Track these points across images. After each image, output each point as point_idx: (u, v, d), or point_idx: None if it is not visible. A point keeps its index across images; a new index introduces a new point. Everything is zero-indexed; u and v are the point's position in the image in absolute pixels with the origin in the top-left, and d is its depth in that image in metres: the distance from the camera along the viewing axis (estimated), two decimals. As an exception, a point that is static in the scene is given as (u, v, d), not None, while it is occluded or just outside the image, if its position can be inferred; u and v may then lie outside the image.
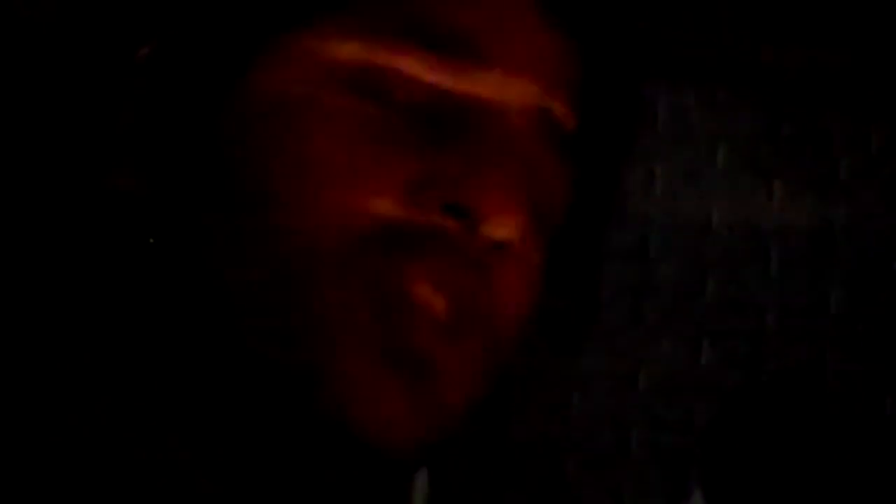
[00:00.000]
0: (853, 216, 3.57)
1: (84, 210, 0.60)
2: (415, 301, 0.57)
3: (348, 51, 0.59)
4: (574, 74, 0.63)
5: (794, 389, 2.55)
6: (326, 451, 0.58)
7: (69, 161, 0.60)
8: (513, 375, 0.62)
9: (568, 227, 0.64)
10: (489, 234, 0.58)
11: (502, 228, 0.58)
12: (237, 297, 0.58)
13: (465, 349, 0.59)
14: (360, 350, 0.57)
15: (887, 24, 3.50)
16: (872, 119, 3.56)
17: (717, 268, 3.53)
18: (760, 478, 2.41)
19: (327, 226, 0.57)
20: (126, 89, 0.61)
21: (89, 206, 0.60)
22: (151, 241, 0.58)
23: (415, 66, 0.59)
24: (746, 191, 3.55)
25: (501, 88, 0.60)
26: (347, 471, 0.59)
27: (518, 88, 0.61)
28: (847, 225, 3.57)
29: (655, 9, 3.28)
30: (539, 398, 3.32)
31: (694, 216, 3.53)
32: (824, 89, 3.54)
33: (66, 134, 0.60)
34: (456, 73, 0.60)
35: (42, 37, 0.59)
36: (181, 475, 0.59)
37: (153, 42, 0.61)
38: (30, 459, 0.57)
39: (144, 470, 0.58)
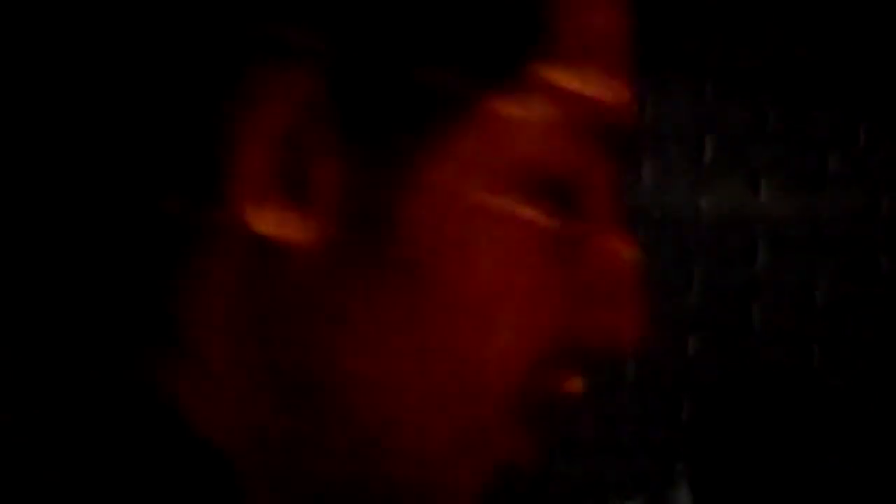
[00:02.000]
0: (840, 210, 3.57)
1: None
2: None
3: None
4: None
5: (780, 382, 2.55)
6: None
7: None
8: None
9: None
10: None
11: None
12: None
13: None
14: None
15: (875, 19, 3.51)
16: (860, 113, 3.56)
17: (704, 261, 3.54)
18: (746, 470, 2.42)
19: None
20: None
21: None
22: None
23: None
24: (734, 185, 3.55)
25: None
26: None
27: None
28: (834, 219, 3.57)
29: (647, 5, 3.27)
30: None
31: (681, 210, 3.53)
32: (812, 83, 3.54)
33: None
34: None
35: None
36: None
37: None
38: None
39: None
